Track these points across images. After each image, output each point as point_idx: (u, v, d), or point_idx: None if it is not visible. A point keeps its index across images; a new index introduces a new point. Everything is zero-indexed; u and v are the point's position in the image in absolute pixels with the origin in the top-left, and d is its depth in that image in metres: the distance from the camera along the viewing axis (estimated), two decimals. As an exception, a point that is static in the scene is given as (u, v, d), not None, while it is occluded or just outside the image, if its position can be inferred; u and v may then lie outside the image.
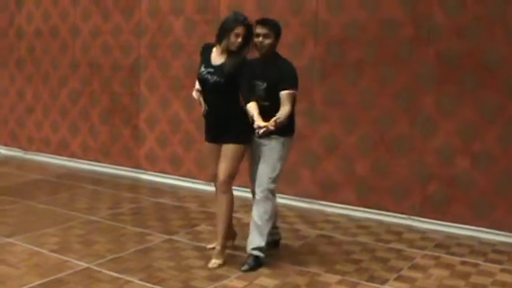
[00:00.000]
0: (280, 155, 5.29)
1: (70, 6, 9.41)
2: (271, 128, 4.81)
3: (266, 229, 5.31)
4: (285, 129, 5.26)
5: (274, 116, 4.96)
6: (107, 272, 5.15)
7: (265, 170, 5.26)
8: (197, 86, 5.36)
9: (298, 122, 6.98)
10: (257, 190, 5.30)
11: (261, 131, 4.80)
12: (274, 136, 5.20)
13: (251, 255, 5.30)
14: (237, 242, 5.78)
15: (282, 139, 5.27)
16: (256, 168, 5.35)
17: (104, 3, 9.02)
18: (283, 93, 5.12)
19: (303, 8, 7.24)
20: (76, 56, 9.41)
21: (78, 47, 9.38)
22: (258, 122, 4.84)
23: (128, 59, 8.82)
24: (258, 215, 5.29)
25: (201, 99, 5.29)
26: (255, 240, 5.30)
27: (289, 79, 5.20)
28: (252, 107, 4.99)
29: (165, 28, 8.41)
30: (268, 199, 5.27)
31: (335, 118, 7.10)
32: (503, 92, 6.14)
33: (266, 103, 5.13)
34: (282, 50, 6.88)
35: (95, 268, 5.23)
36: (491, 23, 6.18)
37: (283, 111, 5.06)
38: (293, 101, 5.18)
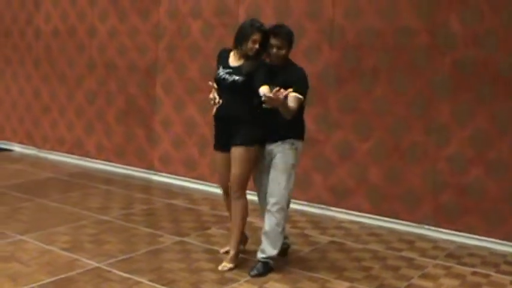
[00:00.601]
0: (293, 163, 5.27)
1: (87, 7, 9.47)
2: (281, 97, 4.72)
3: (279, 241, 5.29)
4: (299, 132, 5.32)
5: (280, 119, 4.99)
6: (117, 272, 5.17)
7: (281, 180, 5.21)
8: (214, 85, 5.39)
9: (312, 127, 7.01)
10: (272, 201, 5.23)
11: (269, 94, 4.74)
12: (288, 140, 5.22)
13: (260, 261, 5.29)
14: (247, 246, 5.78)
15: (295, 144, 5.25)
16: (264, 175, 5.34)
17: (122, 4, 9.07)
18: (291, 94, 5.01)
19: (320, 14, 7.24)
20: (93, 56, 9.46)
21: (95, 47, 9.43)
22: (268, 92, 4.82)
23: (145, 60, 8.85)
24: (270, 227, 5.24)
25: (216, 95, 5.28)
26: (267, 250, 5.27)
27: (300, 84, 5.14)
28: (264, 88, 4.95)
29: (183, 30, 8.44)
30: (283, 210, 5.24)
31: (349, 124, 7.08)
32: (519, 102, 6.13)
33: None
34: (298, 55, 6.89)
35: (105, 268, 5.25)
36: (507, 33, 6.15)
37: (291, 106, 5.00)
38: (299, 104, 5.11)
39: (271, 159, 5.27)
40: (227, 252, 5.51)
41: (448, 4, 6.44)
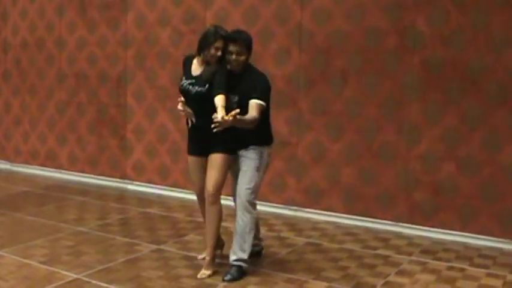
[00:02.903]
0: (257, 165, 5.31)
1: (55, 18, 9.43)
2: (230, 119, 4.74)
3: (248, 241, 5.33)
4: (262, 139, 5.35)
5: (245, 129, 5.04)
6: (96, 282, 5.16)
7: (243, 181, 5.28)
8: (181, 97, 5.40)
9: (284, 130, 7.07)
10: (236, 202, 5.35)
11: (218, 119, 4.74)
12: (252, 147, 5.28)
13: (233, 265, 5.33)
14: (225, 251, 5.79)
15: (256, 149, 5.30)
16: (236, 180, 5.41)
17: (90, 15, 9.04)
18: (253, 101, 5.07)
19: (288, 18, 7.29)
20: (62, 67, 9.43)
21: (64, 59, 9.40)
22: (219, 113, 4.80)
23: (115, 69, 8.84)
24: (239, 228, 5.31)
25: (188, 108, 5.31)
26: (237, 252, 5.32)
27: (261, 91, 5.17)
28: (219, 99, 4.96)
29: (151, 39, 8.44)
30: (247, 211, 5.29)
31: (321, 126, 7.15)
32: (486, 100, 6.22)
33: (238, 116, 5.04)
34: (268, 59, 6.96)
35: (84, 279, 5.24)
36: (474, 33, 6.26)
37: (250, 115, 5.02)
38: (261, 112, 5.12)
39: (239, 167, 5.35)
40: (205, 259, 5.53)
41: (415, 5, 6.53)
